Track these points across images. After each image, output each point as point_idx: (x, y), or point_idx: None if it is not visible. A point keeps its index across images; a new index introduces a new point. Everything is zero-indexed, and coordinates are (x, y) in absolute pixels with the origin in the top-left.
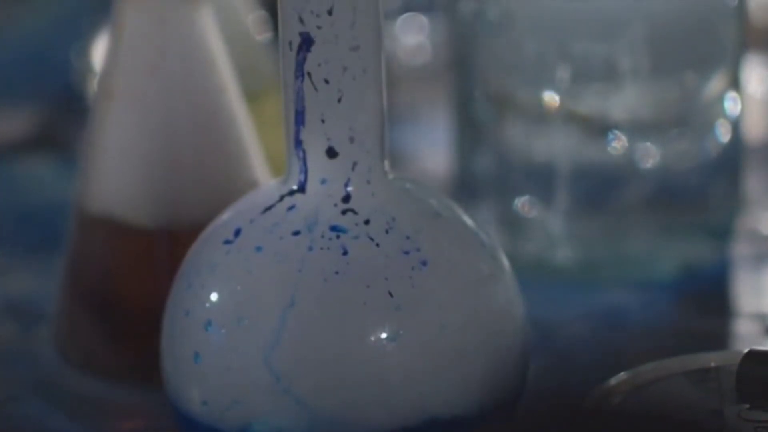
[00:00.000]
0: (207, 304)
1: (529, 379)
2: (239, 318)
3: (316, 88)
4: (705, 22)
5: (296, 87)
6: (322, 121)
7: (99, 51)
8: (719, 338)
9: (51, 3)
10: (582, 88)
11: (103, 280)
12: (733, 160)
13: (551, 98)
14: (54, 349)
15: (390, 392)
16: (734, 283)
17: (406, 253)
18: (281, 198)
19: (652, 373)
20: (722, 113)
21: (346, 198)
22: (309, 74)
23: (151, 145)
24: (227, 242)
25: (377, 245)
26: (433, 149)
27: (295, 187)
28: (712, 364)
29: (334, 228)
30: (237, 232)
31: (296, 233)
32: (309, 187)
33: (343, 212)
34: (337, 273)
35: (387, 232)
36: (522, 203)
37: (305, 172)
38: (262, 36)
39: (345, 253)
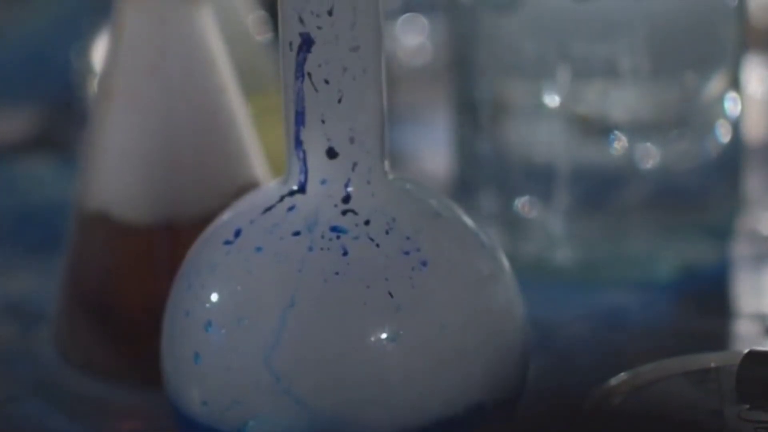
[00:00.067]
0: (207, 305)
1: (529, 380)
2: (239, 318)
3: (316, 89)
4: (705, 23)
5: (296, 87)
6: (323, 122)
7: (99, 51)
8: (719, 339)
9: (51, 3)
10: (582, 88)
11: (103, 280)
12: (733, 160)
13: (551, 99)
14: (54, 349)
15: (390, 392)
16: (734, 284)
17: (406, 253)
18: (281, 198)
19: (652, 373)
20: (722, 113)
21: (346, 198)
22: (309, 75)
23: (151, 145)
24: (227, 243)
25: (377, 246)
26: (433, 149)
27: (295, 188)
28: (712, 365)
29: (334, 228)
30: (237, 233)
31: (296, 234)
32: (309, 187)
33: (343, 213)
34: (337, 273)
35: (387, 232)
36: (522, 203)
37: (305, 173)
38: (262, 36)
39: (345, 253)
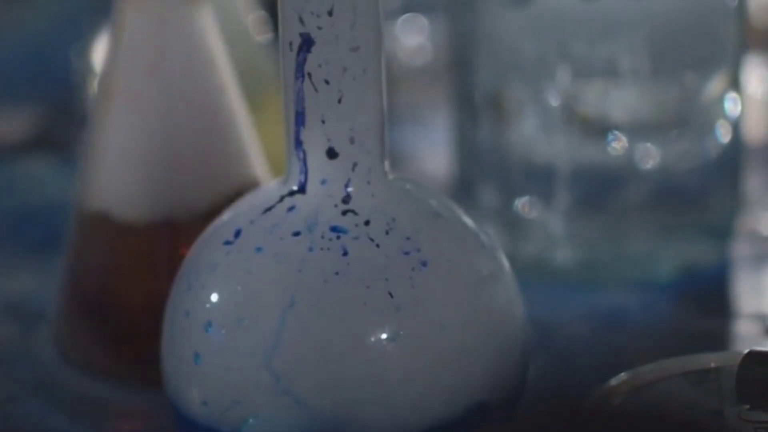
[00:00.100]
0: (207, 305)
1: (529, 380)
2: (239, 318)
3: (316, 89)
4: (705, 23)
5: (296, 87)
6: (323, 122)
7: (99, 51)
8: (719, 339)
9: (51, 3)
10: (582, 88)
11: (103, 280)
12: (733, 160)
13: (551, 99)
14: (54, 349)
15: (390, 392)
16: (734, 284)
17: (406, 253)
18: (281, 199)
19: (652, 373)
20: (722, 114)
21: (347, 198)
22: (309, 75)
23: (151, 145)
24: (227, 243)
25: (377, 246)
26: (433, 150)
27: (295, 188)
28: (712, 365)
29: (334, 228)
30: (237, 233)
31: (296, 234)
32: (309, 187)
33: (344, 213)
34: (337, 273)
35: (387, 232)
36: (522, 203)
37: (305, 173)
38: (263, 36)
39: (345, 253)
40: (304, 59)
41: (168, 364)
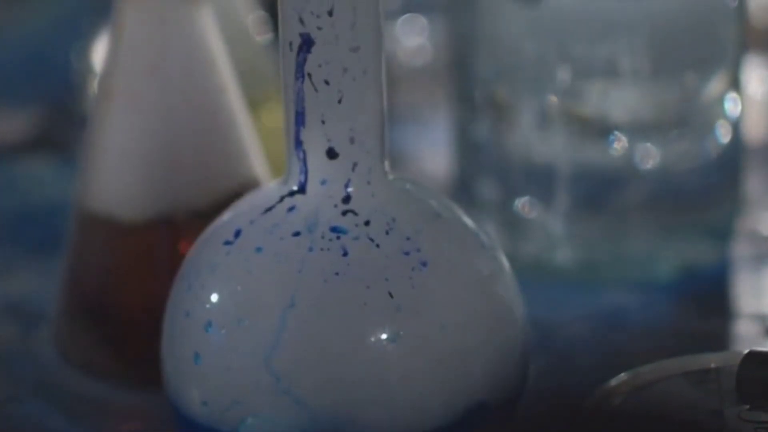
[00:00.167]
0: (207, 305)
1: (529, 380)
2: (239, 319)
3: (316, 89)
4: (705, 23)
5: (296, 88)
6: (323, 122)
7: (99, 51)
8: (719, 339)
9: (51, 3)
10: (582, 88)
11: (103, 280)
12: (733, 160)
13: (551, 99)
14: (54, 349)
15: (390, 393)
16: (734, 284)
17: (407, 253)
18: (281, 199)
19: (652, 373)
20: (722, 114)
21: (347, 199)
22: (309, 75)
23: (151, 145)
24: (227, 243)
25: (377, 246)
26: (433, 150)
27: (295, 188)
28: (712, 365)
29: (334, 229)
30: (237, 233)
31: (296, 234)
32: (309, 187)
33: (344, 213)
34: (337, 274)
35: (387, 232)
36: (522, 204)
37: (305, 173)
38: (263, 37)
39: (345, 253)
40: (304, 59)
41: (168, 364)
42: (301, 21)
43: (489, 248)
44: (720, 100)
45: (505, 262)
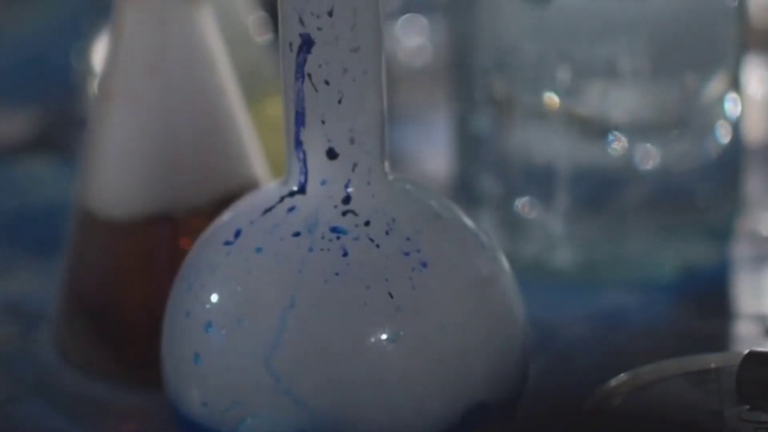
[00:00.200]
0: (207, 305)
1: (529, 380)
2: (239, 319)
3: (316, 89)
4: (705, 24)
5: (296, 88)
6: (323, 122)
7: (99, 52)
8: (719, 339)
9: (51, 4)
10: (582, 89)
11: (103, 280)
12: (733, 161)
13: (551, 99)
14: (54, 349)
15: (390, 393)
16: (734, 284)
17: (407, 254)
18: (281, 199)
19: (652, 374)
20: (722, 114)
21: (347, 199)
22: (309, 75)
23: (151, 145)
24: (227, 243)
25: (377, 246)
26: (433, 150)
27: (295, 188)
28: (712, 366)
29: (334, 229)
30: (237, 233)
31: (296, 234)
32: (309, 188)
33: (344, 213)
34: (337, 274)
35: (387, 233)
36: (522, 204)
37: (305, 173)
38: (263, 37)
39: (345, 254)
40: (304, 60)
41: (168, 365)
42: (301, 21)
43: (489, 248)
44: (720, 101)
45: (505, 263)
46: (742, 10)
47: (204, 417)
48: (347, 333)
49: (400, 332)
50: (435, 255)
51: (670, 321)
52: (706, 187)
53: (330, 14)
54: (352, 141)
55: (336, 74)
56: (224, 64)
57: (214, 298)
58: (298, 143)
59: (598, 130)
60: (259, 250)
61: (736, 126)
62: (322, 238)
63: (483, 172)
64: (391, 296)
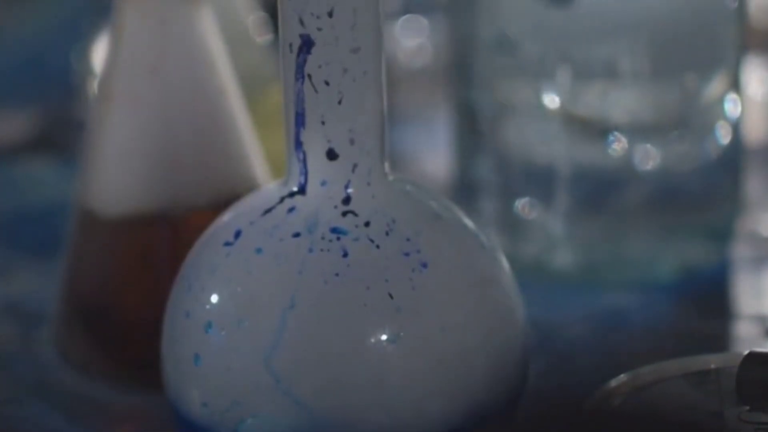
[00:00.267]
0: (207, 306)
1: (530, 381)
2: (239, 319)
3: (316, 90)
4: (705, 24)
5: (296, 89)
6: (323, 123)
7: (99, 52)
8: (719, 340)
9: (51, 4)
10: (582, 89)
11: (103, 280)
12: (733, 161)
13: (551, 100)
14: (54, 350)
15: (390, 394)
16: (734, 285)
17: (407, 254)
18: (281, 200)
19: (652, 374)
20: (722, 115)
21: (347, 200)
22: (309, 76)
23: (151, 145)
24: (227, 244)
25: (377, 247)
26: (433, 151)
27: (295, 189)
28: (712, 366)
29: (334, 230)
30: (237, 234)
31: (296, 235)
32: (309, 188)
33: (344, 214)
34: (337, 275)
35: (387, 233)
36: (522, 205)
37: (305, 174)
38: (263, 37)
39: (345, 254)
40: (304, 60)
41: (168, 365)
42: (301, 22)
43: (489, 249)
44: (720, 101)
45: (505, 263)
46: (742, 10)
47: (204, 417)
48: (347, 333)
49: (400, 333)
50: (435, 255)
51: (670, 321)
52: (706, 188)
53: (330, 15)
54: (352, 141)
55: (336, 75)
56: (224, 65)
57: (214, 298)
58: (298, 144)
59: (598, 130)
60: (259, 250)
61: (736, 126)
62: (322, 238)
63: (483, 173)
64: (391, 297)
